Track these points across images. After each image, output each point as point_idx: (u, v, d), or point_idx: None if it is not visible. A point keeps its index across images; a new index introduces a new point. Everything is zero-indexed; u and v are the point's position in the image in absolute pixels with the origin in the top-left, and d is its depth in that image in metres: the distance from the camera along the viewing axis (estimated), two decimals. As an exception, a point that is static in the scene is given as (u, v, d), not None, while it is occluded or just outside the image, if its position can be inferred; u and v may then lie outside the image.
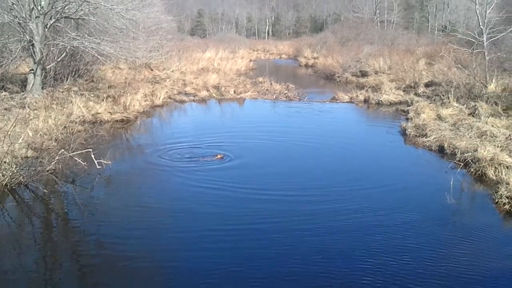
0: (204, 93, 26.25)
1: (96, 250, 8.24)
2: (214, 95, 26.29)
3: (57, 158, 11.68)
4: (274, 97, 26.04)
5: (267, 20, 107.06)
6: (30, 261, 7.80)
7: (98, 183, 11.35)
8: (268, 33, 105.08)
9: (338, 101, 24.46)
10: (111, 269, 7.59)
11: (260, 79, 31.03)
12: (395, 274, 7.25)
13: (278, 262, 7.74)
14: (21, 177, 10.86)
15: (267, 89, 27.77)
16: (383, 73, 32.41)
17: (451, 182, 10.91)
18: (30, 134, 14.22)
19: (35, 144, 13.57)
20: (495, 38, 21.77)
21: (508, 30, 21.82)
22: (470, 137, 14.58)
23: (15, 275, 7.32)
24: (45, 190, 10.74)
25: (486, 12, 21.48)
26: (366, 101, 24.24)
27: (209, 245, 8.26)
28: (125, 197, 10.79)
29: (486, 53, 21.02)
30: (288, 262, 7.70)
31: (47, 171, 11.41)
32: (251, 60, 50.26)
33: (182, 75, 32.29)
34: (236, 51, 52.15)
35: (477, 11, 22.05)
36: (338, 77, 33.94)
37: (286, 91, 27.11)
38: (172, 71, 33.05)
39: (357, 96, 24.69)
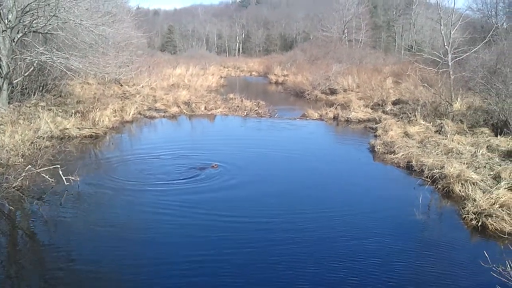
0: (174, 109, 26.18)
1: (64, 268, 8.05)
2: (184, 111, 26.24)
3: (23, 174, 11.44)
4: (245, 113, 26.10)
5: (237, 37, 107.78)
6: (-5, 280, 7.57)
7: (66, 200, 11.12)
8: (239, 50, 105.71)
9: (308, 118, 24.67)
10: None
11: (231, 95, 31.13)
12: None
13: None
14: (-14, 193, 10.58)
15: (237, 106, 27.81)
16: (352, 91, 32.96)
17: (420, 199, 11.08)
18: (-4, 149, 13.90)
19: (1, 160, 13.24)
20: (459, 58, 22.37)
21: (472, 51, 22.47)
22: (437, 154, 14.91)
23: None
24: (11, 207, 10.46)
25: (450, 33, 22.09)
26: (335, 118, 24.54)
27: (178, 261, 8.21)
28: (93, 214, 10.59)
29: (451, 73, 21.58)
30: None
31: (14, 187, 11.15)
32: (221, 77, 50.38)
33: (152, 91, 32.14)
34: (207, 67, 52.26)
35: (442, 32, 22.66)
36: (308, 94, 34.31)
37: (257, 108, 27.22)
38: (142, 87, 32.86)
39: (326, 113, 24.95)
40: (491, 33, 24.85)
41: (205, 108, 26.79)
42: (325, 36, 68.21)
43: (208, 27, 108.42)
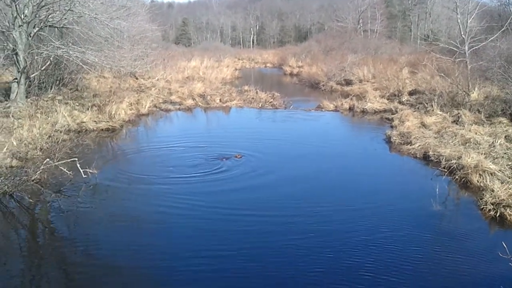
0: (189, 102, 26.25)
1: (82, 259, 8.16)
2: (199, 103, 26.30)
3: (42, 167, 11.58)
4: (260, 105, 26.09)
5: (251, 29, 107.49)
6: (16, 271, 7.69)
7: (84, 192, 11.25)
8: (253, 42, 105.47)
9: (323, 110, 24.58)
10: (97, 278, 7.52)
11: (246, 87, 31.10)
12: (383, 277, 7.31)
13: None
14: (6, 186, 10.73)
15: (252, 98, 27.80)
16: (367, 81, 32.71)
17: (437, 189, 11.00)
18: (15, 143, 14.07)
19: (20, 153, 13.44)
20: (476, 47, 22.07)
21: (489, 40, 22.14)
22: (454, 145, 14.77)
23: (1, 285, 7.20)
24: (31, 200, 10.61)
25: (467, 22, 21.77)
26: (351, 109, 24.43)
27: (196, 254, 8.25)
28: (111, 207, 10.71)
29: (468, 62, 21.30)
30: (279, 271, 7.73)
31: (32, 180, 11.30)
32: (236, 69, 50.33)
33: (168, 84, 32.22)
34: (221, 60, 52.26)
35: (459, 21, 22.34)
36: (323, 85, 34.16)
37: (272, 100, 27.18)
38: (157, 79, 32.95)
39: (342, 104, 24.85)
40: (508, 21, 24.35)
41: (220, 101, 26.82)
42: (340, 27, 67.79)
43: (222, 19, 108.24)
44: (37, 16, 19.56)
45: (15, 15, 18.76)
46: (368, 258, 8.02)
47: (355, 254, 8.18)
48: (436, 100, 20.73)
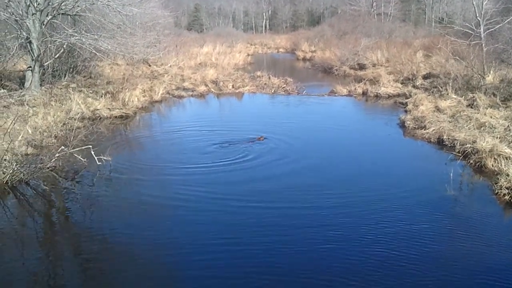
0: (202, 88, 26.27)
1: (97, 246, 8.23)
2: (212, 89, 26.32)
3: (57, 155, 11.70)
4: (273, 91, 26.04)
5: (264, 14, 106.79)
6: (32, 257, 7.79)
7: (99, 180, 11.35)
8: (265, 27, 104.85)
9: (336, 94, 24.46)
10: (112, 265, 7.61)
11: (258, 73, 30.98)
12: (397, 262, 7.30)
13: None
14: (22, 174, 10.85)
15: (265, 83, 27.73)
16: (381, 65, 32.50)
17: (451, 174, 10.93)
18: (30, 131, 14.22)
19: (35, 141, 13.59)
20: (492, 30, 21.75)
21: (505, 21, 21.80)
22: (469, 129, 14.62)
23: (17, 272, 7.32)
24: (46, 187, 10.75)
25: (482, 4, 21.46)
26: (364, 94, 24.26)
27: (212, 241, 8.28)
28: (126, 194, 10.77)
29: (483, 45, 21.02)
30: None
31: (48, 168, 11.42)
32: (248, 55, 50.20)
33: (180, 70, 32.26)
34: (234, 45, 52.07)
35: (474, 3, 22.03)
36: (336, 70, 33.98)
37: (285, 85, 27.10)
38: (170, 66, 33.02)
39: (355, 89, 24.69)
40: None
41: (233, 86, 26.80)
42: (353, 10, 67.23)
43: (234, 4, 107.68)
44: (50, 4, 19.63)
45: (28, 4, 18.87)
46: (380, 241, 8.01)
47: (367, 236, 8.18)
48: (450, 84, 20.51)
